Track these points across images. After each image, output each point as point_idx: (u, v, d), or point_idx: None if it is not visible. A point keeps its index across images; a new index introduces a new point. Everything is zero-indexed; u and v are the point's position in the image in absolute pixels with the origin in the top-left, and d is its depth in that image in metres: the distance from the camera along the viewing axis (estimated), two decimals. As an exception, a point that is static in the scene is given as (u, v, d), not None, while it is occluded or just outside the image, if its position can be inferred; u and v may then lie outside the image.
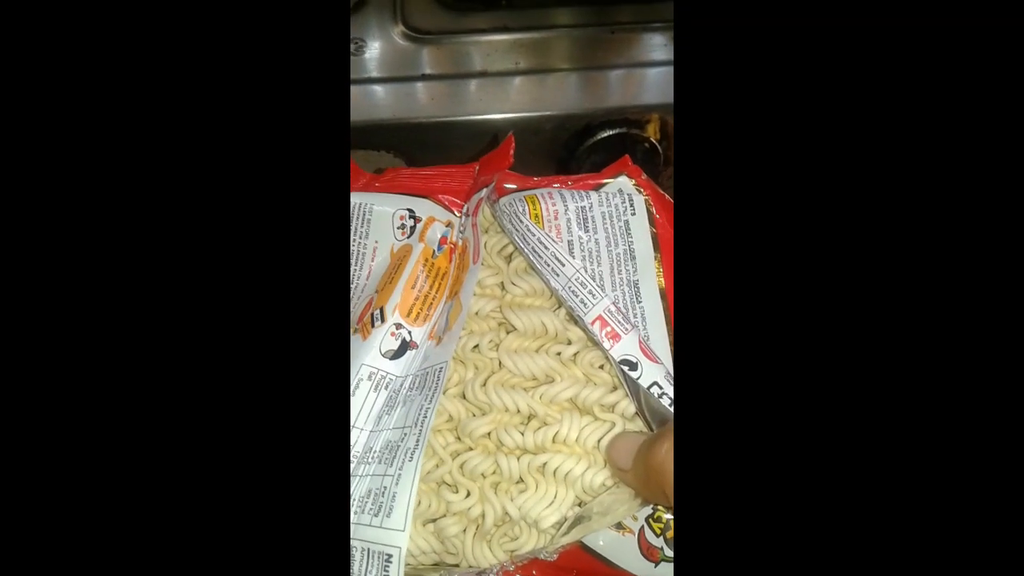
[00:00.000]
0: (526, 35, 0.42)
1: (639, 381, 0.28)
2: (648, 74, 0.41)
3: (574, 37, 0.42)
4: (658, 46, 0.42)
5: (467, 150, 0.41)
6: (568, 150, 0.41)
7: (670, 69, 0.40)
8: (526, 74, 0.41)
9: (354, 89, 0.41)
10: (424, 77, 0.41)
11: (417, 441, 0.28)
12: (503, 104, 0.40)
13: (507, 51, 0.41)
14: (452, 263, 0.34)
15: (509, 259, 0.34)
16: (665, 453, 0.25)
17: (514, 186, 0.35)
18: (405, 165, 0.42)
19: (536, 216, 0.33)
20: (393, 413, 0.30)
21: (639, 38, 0.42)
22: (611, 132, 0.40)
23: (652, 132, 0.39)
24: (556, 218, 0.33)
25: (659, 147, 0.38)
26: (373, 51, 0.41)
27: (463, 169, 0.37)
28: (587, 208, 0.33)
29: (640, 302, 0.31)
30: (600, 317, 0.29)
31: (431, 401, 0.29)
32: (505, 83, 0.41)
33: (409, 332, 0.32)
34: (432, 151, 0.41)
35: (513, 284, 0.33)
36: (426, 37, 0.42)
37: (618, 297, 0.31)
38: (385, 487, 0.27)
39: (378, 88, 0.41)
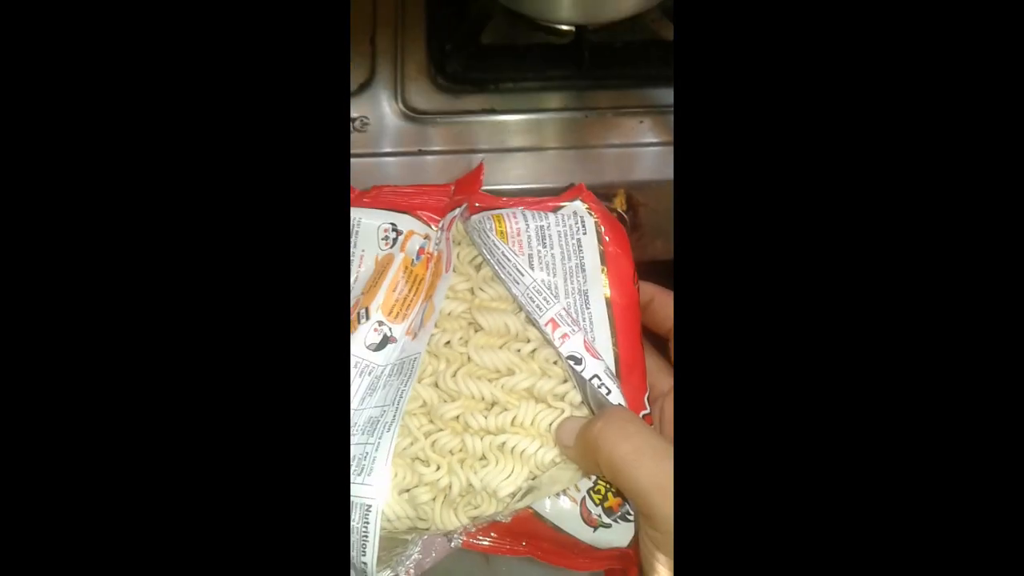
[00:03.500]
0: (512, 117, 0.49)
1: (583, 374, 0.33)
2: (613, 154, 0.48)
3: (555, 119, 0.49)
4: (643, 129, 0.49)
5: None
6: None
7: (635, 150, 0.48)
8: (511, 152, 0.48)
9: (361, 162, 0.47)
10: (422, 152, 0.47)
11: (394, 416, 0.33)
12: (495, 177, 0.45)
13: (496, 131, 0.48)
14: (428, 270, 0.39)
15: (478, 268, 0.39)
16: (598, 431, 0.30)
17: (483, 206, 0.40)
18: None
19: (501, 232, 0.38)
20: (375, 395, 0.35)
21: (616, 122, 0.49)
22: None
23: (619, 204, 0.45)
24: (519, 235, 0.38)
25: (625, 216, 0.44)
26: (376, 128, 0.48)
27: (440, 188, 0.42)
28: (546, 227, 0.39)
29: (588, 308, 0.36)
30: (552, 319, 0.35)
31: (406, 384, 0.34)
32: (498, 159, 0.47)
33: (390, 328, 0.37)
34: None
35: (481, 290, 0.38)
36: (424, 117, 0.49)
37: (569, 303, 0.36)
38: (367, 453, 0.32)
39: (383, 160, 0.47)
